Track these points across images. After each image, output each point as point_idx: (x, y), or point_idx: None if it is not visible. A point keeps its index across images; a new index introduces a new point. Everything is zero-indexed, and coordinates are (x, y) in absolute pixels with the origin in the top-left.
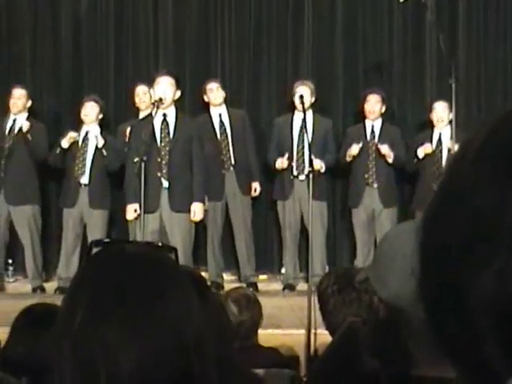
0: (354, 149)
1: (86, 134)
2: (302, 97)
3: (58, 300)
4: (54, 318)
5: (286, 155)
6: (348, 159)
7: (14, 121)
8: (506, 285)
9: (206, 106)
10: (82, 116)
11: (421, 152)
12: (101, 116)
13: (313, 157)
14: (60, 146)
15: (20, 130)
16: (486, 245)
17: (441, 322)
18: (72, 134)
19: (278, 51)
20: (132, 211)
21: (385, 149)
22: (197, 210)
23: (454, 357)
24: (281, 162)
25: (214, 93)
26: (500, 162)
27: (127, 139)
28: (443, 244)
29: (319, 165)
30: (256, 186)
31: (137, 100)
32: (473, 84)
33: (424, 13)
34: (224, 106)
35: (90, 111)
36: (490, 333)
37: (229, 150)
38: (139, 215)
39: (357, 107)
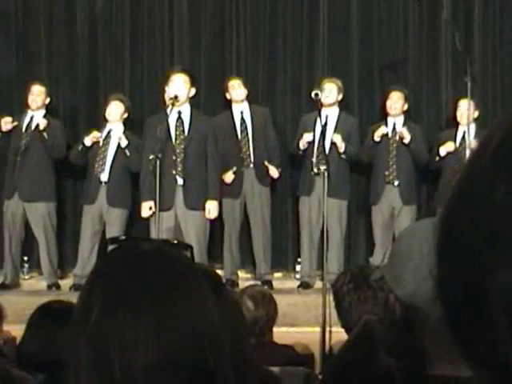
0: (380, 131)
1: (109, 132)
2: (316, 95)
3: (73, 297)
4: (69, 316)
5: (310, 136)
6: (375, 140)
7: (32, 118)
8: None
9: (228, 103)
10: (106, 114)
11: (443, 150)
12: (126, 115)
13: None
14: (83, 143)
15: (37, 127)
16: (506, 243)
17: (460, 322)
18: (96, 134)
19: (294, 49)
20: (147, 209)
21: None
22: (211, 208)
23: (473, 357)
24: (302, 143)
25: (236, 90)
26: None
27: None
28: (463, 242)
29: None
30: (274, 172)
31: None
32: (488, 82)
33: (439, 11)
34: (246, 103)
35: (115, 110)
36: (507, 329)
37: (249, 148)
38: (154, 213)
39: (373, 105)
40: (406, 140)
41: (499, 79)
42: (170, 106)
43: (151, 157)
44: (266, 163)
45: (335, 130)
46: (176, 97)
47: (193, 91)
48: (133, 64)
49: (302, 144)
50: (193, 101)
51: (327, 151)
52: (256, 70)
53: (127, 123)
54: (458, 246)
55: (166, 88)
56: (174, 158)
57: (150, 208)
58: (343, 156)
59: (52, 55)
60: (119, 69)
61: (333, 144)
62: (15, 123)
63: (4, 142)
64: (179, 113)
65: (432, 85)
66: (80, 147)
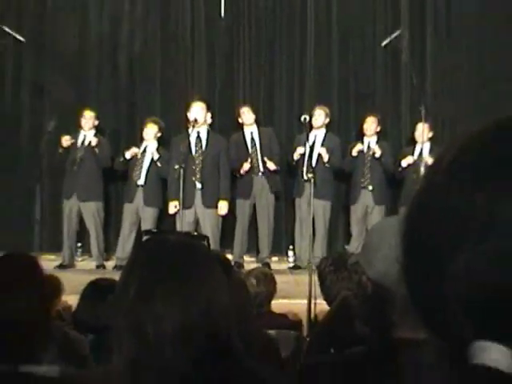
0: (357, 148)
1: (145, 148)
2: (305, 119)
3: (115, 275)
4: (112, 290)
5: (302, 149)
6: (354, 153)
7: (85, 136)
8: (472, 271)
9: (240, 125)
10: (144, 134)
11: (404, 162)
12: (159, 134)
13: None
14: (124, 156)
15: (89, 143)
16: (456, 237)
17: (420, 299)
18: (135, 150)
19: (287, 83)
20: (173, 207)
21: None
22: (223, 206)
23: (430, 325)
24: (295, 155)
25: (246, 115)
26: (466, 173)
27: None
28: (423, 238)
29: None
30: (271, 165)
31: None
32: (439, 110)
33: (400, 54)
34: (255, 125)
35: (150, 131)
36: (460, 307)
37: (257, 160)
38: (178, 210)
39: (349, 127)
40: (377, 155)
41: (447, 108)
42: (191, 128)
43: (176, 167)
44: (266, 159)
45: (322, 146)
46: (196, 120)
47: (209, 116)
48: (162, 93)
49: (296, 155)
50: (210, 123)
51: (314, 163)
52: (258, 98)
53: (160, 141)
54: (419, 241)
55: (188, 113)
56: (193, 167)
57: (175, 206)
58: (327, 165)
59: (100, 86)
60: (152, 97)
61: (319, 156)
62: (72, 140)
63: (64, 156)
64: (198, 133)
65: (395, 112)
66: (121, 159)
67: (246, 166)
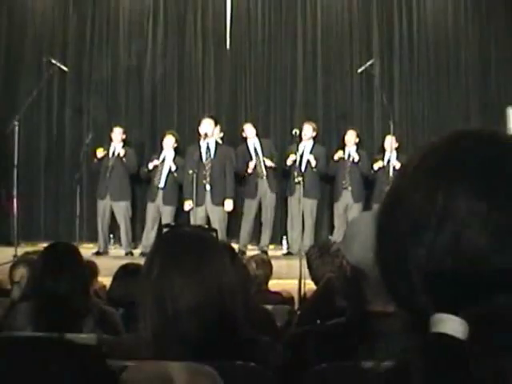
0: (339, 154)
1: (164, 158)
2: (295, 132)
3: (141, 260)
4: (139, 272)
5: (294, 157)
6: (336, 158)
7: (115, 148)
8: (432, 256)
9: (244, 139)
10: (163, 144)
11: (376, 167)
12: (175, 145)
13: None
14: (147, 167)
15: (118, 154)
16: (419, 228)
17: (390, 279)
18: (156, 162)
19: (281, 103)
20: (187, 205)
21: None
22: (228, 204)
23: (398, 300)
24: (288, 161)
25: (249, 130)
26: (427, 176)
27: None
28: (392, 227)
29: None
30: (269, 163)
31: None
32: (403, 125)
33: (373, 79)
34: (256, 138)
35: (168, 141)
36: (420, 285)
37: (261, 166)
38: (192, 208)
39: (331, 139)
40: (356, 159)
41: (411, 122)
42: (202, 140)
43: (190, 172)
44: (266, 160)
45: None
46: (206, 134)
47: (217, 129)
48: (179, 113)
49: (289, 161)
50: (222, 137)
51: (303, 169)
52: (257, 116)
53: (177, 150)
54: (389, 232)
55: (200, 128)
56: (204, 173)
57: (189, 204)
58: (315, 170)
59: (128, 108)
60: (170, 115)
61: (308, 163)
62: (105, 152)
63: (98, 164)
64: (207, 144)
65: (370, 126)
66: (145, 169)
67: (252, 165)
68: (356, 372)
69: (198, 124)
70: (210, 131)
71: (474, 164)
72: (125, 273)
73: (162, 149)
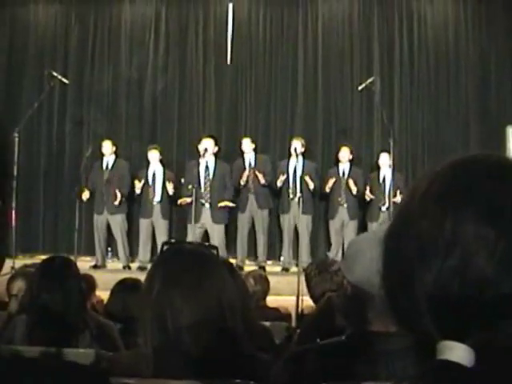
0: (331, 182)
1: (154, 173)
2: (295, 149)
3: (138, 275)
4: (136, 287)
5: (283, 177)
6: (327, 190)
7: (108, 161)
8: (439, 282)
9: (241, 152)
10: (149, 159)
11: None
12: (161, 157)
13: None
14: (135, 191)
15: (112, 167)
16: (427, 253)
17: (396, 302)
18: (138, 186)
19: (281, 118)
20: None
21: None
22: (226, 203)
23: (402, 323)
24: (279, 181)
25: (246, 145)
26: (434, 202)
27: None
28: (400, 252)
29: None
30: (261, 178)
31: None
32: (403, 143)
33: (373, 97)
34: (253, 153)
35: (154, 156)
36: (427, 310)
37: (253, 182)
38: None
39: (331, 155)
40: (354, 192)
41: (411, 140)
42: (202, 157)
43: (190, 186)
44: (258, 174)
45: (302, 172)
46: (206, 149)
47: (216, 148)
48: (179, 128)
49: (279, 182)
50: (216, 153)
51: (298, 187)
52: (257, 131)
53: (163, 163)
54: (396, 256)
55: (199, 146)
56: (202, 190)
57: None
58: (311, 189)
59: (128, 121)
60: (170, 131)
61: (303, 180)
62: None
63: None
64: (207, 162)
65: (369, 143)
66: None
67: (245, 177)
68: None
69: (199, 142)
70: (209, 149)
71: (481, 190)
72: (123, 287)
73: (148, 163)
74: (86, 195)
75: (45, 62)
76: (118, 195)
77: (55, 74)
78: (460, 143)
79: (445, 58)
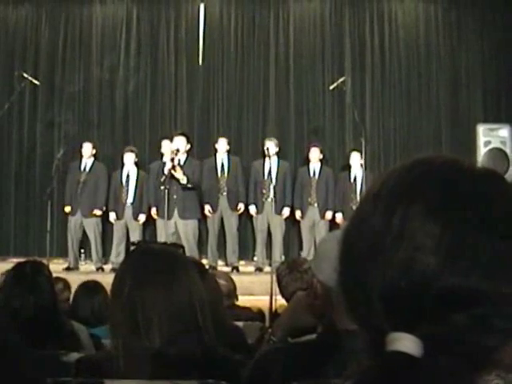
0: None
1: (128, 175)
2: (268, 149)
3: (112, 276)
4: (98, 289)
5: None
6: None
7: (85, 163)
8: (388, 278)
9: (214, 152)
10: (124, 161)
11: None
12: (136, 159)
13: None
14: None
15: (90, 169)
16: (376, 251)
17: (350, 300)
18: (97, 213)
19: (253, 118)
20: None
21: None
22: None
23: (357, 318)
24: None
25: (221, 144)
26: (385, 201)
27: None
28: (354, 250)
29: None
30: (241, 206)
31: (162, 149)
32: (375, 141)
33: (345, 96)
34: (226, 154)
35: (129, 158)
36: (378, 306)
37: (224, 182)
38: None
39: (304, 155)
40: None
41: (383, 139)
42: (174, 156)
43: (162, 187)
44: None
45: (277, 172)
46: (178, 149)
47: (188, 146)
48: (151, 128)
49: (252, 182)
50: (188, 150)
51: (272, 187)
52: (229, 131)
53: (138, 165)
54: (350, 253)
55: (171, 144)
56: (175, 188)
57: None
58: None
59: (100, 122)
60: (142, 131)
61: (277, 182)
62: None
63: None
64: (179, 160)
65: (340, 142)
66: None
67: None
68: None
69: (171, 140)
70: (182, 147)
71: (430, 188)
72: (85, 290)
73: (122, 165)
74: (67, 209)
75: (15, 63)
76: (98, 212)
77: (26, 75)
78: (432, 142)
79: (416, 57)
